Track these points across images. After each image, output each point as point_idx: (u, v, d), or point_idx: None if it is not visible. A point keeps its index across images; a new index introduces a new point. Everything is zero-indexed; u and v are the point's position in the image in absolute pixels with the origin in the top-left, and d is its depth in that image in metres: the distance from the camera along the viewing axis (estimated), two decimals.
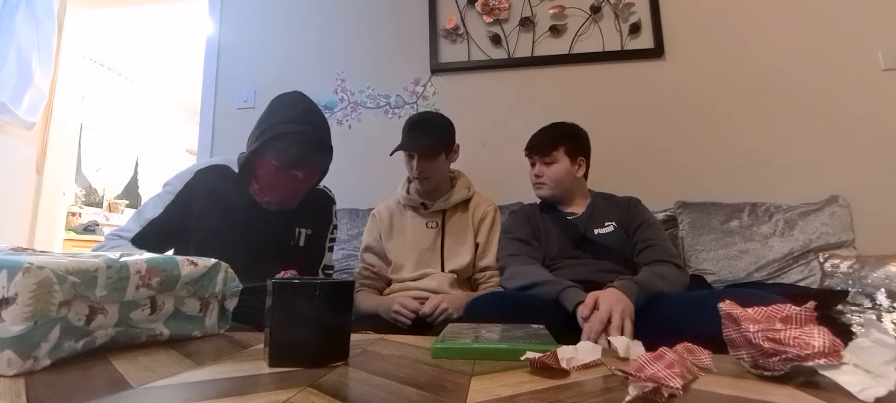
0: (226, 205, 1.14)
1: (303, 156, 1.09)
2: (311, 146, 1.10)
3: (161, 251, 1.02)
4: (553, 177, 1.35)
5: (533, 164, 1.40)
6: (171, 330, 0.64)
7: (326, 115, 2.04)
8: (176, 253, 1.10)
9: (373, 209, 1.56)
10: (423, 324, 1.23)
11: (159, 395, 0.41)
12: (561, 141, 1.36)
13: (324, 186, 1.31)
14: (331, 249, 1.29)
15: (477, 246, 1.42)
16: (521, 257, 1.26)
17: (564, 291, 1.06)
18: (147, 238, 1.08)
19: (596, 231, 1.31)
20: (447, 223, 1.45)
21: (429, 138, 1.39)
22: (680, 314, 0.97)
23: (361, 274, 1.48)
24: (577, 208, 1.39)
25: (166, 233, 1.11)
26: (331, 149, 1.17)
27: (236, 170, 1.17)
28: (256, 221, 1.14)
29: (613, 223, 1.31)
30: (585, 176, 1.41)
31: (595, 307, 0.99)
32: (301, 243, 1.20)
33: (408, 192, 1.50)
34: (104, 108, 4.02)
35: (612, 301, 0.98)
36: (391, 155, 1.42)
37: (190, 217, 1.12)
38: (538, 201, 1.45)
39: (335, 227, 1.31)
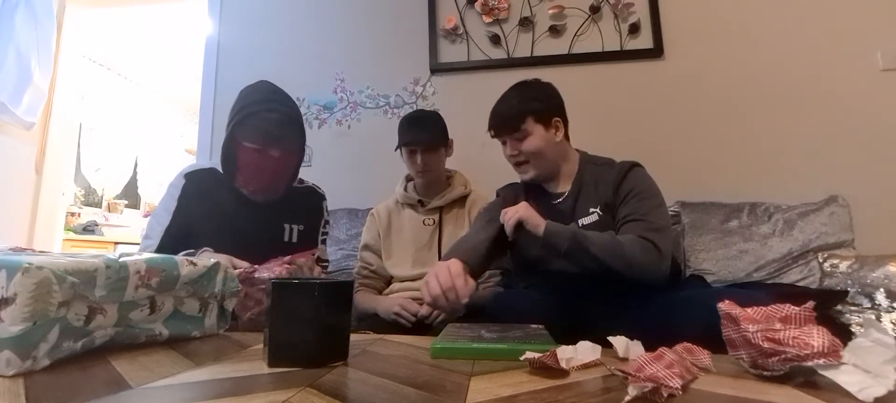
0: (217, 206, 1.15)
1: (274, 132, 1.10)
2: (281, 122, 1.11)
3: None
4: (530, 151, 1.17)
5: (504, 143, 1.22)
6: (170, 331, 0.63)
7: (326, 115, 2.07)
8: None
9: (372, 209, 1.56)
10: (422, 324, 1.23)
11: (159, 395, 0.41)
12: (526, 108, 1.17)
13: (313, 184, 1.32)
14: (324, 242, 1.30)
15: None
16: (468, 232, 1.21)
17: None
18: (168, 249, 1.07)
19: (581, 221, 1.14)
20: (444, 220, 1.46)
21: (431, 132, 1.42)
22: (676, 313, 0.96)
23: (360, 273, 1.49)
24: (564, 185, 1.21)
25: (181, 239, 1.10)
26: (302, 126, 1.18)
27: (222, 172, 1.19)
28: (247, 219, 1.15)
29: (598, 209, 1.13)
30: (566, 134, 1.24)
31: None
32: (294, 239, 1.21)
33: (405, 190, 1.50)
34: (103, 108, 4.02)
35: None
36: (397, 150, 1.43)
37: (190, 221, 1.13)
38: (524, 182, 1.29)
39: (327, 222, 1.32)
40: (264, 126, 1.09)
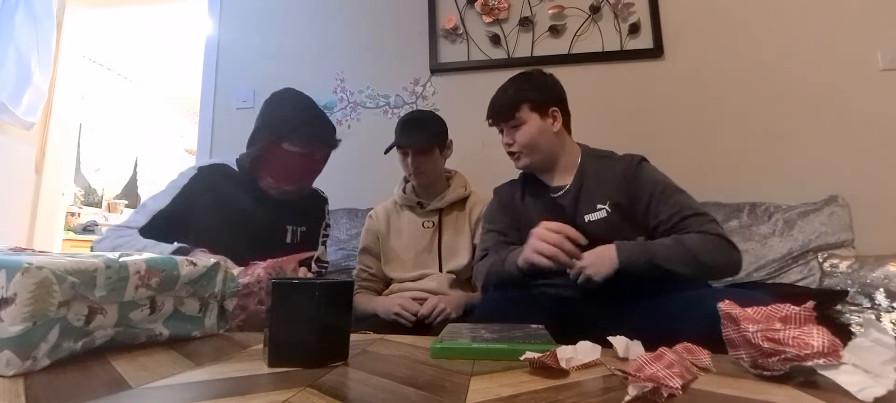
0: (225, 203, 1.17)
1: (325, 138, 1.20)
2: (328, 127, 1.21)
3: (169, 242, 1.06)
4: (525, 141, 1.15)
5: (501, 132, 1.21)
6: (170, 331, 0.63)
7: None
8: None
9: (371, 209, 1.56)
10: (422, 325, 1.23)
11: (159, 395, 0.41)
12: (522, 97, 1.16)
13: (316, 187, 1.35)
14: (324, 244, 1.33)
15: (475, 247, 1.42)
16: (488, 256, 1.18)
17: (510, 256, 1.04)
18: (155, 228, 1.10)
19: (586, 217, 1.10)
20: (444, 222, 1.45)
21: (422, 134, 1.39)
22: (675, 314, 0.96)
23: (359, 275, 1.48)
24: (563, 178, 1.18)
25: (173, 224, 1.13)
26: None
27: (236, 170, 1.22)
28: (253, 219, 1.18)
29: (606, 205, 1.09)
30: (567, 126, 1.22)
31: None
32: (296, 240, 1.24)
33: (404, 192, 1.50)
34: (103, 108, 4.02)
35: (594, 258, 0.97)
36: (386, 152, 1.42)
37: (192, 211, 1.15)
38: (521, 176, 1.28)
39: (328, 225, 1.36)
40: (317, 133, 1.17)
